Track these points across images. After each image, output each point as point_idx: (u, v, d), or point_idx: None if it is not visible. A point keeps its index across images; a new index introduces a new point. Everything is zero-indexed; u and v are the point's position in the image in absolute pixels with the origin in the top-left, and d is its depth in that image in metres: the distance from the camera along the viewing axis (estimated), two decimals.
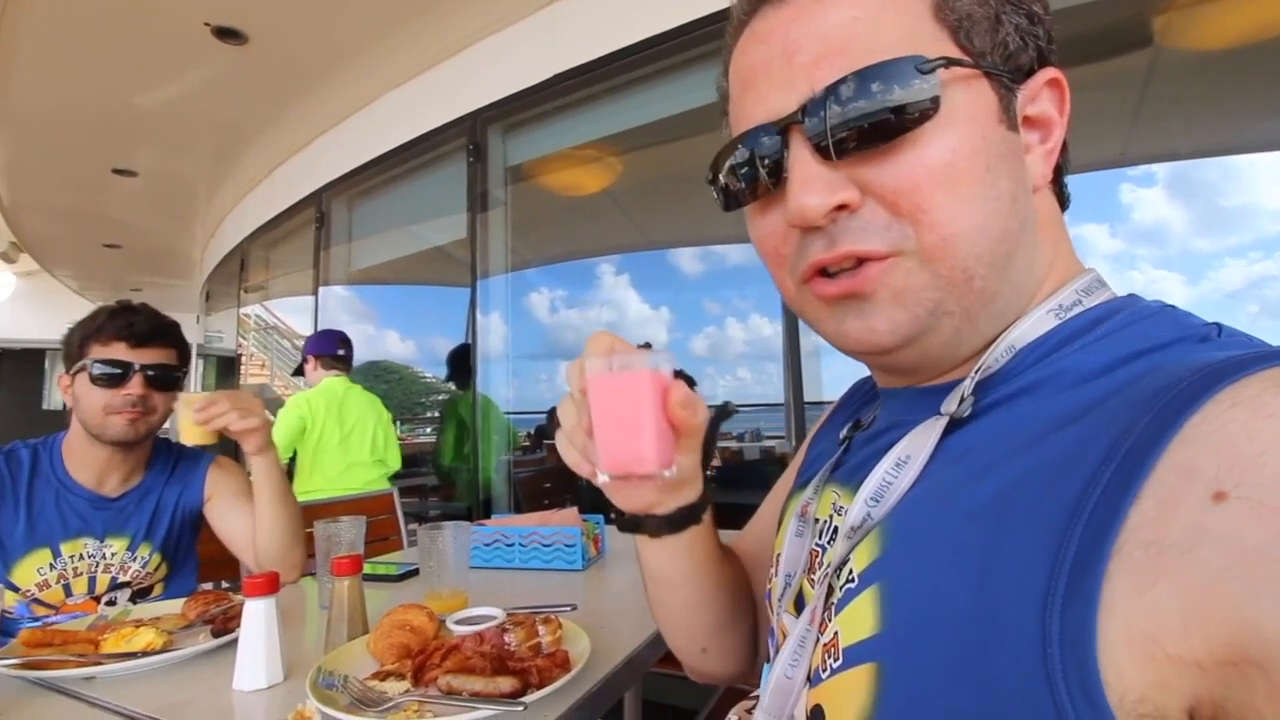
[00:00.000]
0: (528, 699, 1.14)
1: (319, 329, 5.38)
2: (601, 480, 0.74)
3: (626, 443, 0.69)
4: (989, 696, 0.49)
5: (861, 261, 0.63)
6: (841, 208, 0.62)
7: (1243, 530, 0.42)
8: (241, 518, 2.13)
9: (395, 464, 4.46)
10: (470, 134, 5.04)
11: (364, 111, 5.91)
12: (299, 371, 4.57)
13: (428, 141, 5.34)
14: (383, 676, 1.25)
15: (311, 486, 4.16)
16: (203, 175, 7.68)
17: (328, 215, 6.57)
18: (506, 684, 1.16)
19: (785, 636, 0.72)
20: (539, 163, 5.09)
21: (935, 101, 0.59)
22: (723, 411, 5.02)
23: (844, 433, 0.88)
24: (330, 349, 4.40)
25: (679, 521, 0.89)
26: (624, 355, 0.70)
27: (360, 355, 4.70)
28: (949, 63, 0.60)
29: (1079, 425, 0.53)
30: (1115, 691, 0.44)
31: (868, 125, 0.60)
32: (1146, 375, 0.53)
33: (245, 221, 7.99)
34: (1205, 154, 3.53)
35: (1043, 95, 0.66)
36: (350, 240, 6.65)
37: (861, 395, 0.96)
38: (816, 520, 0.81)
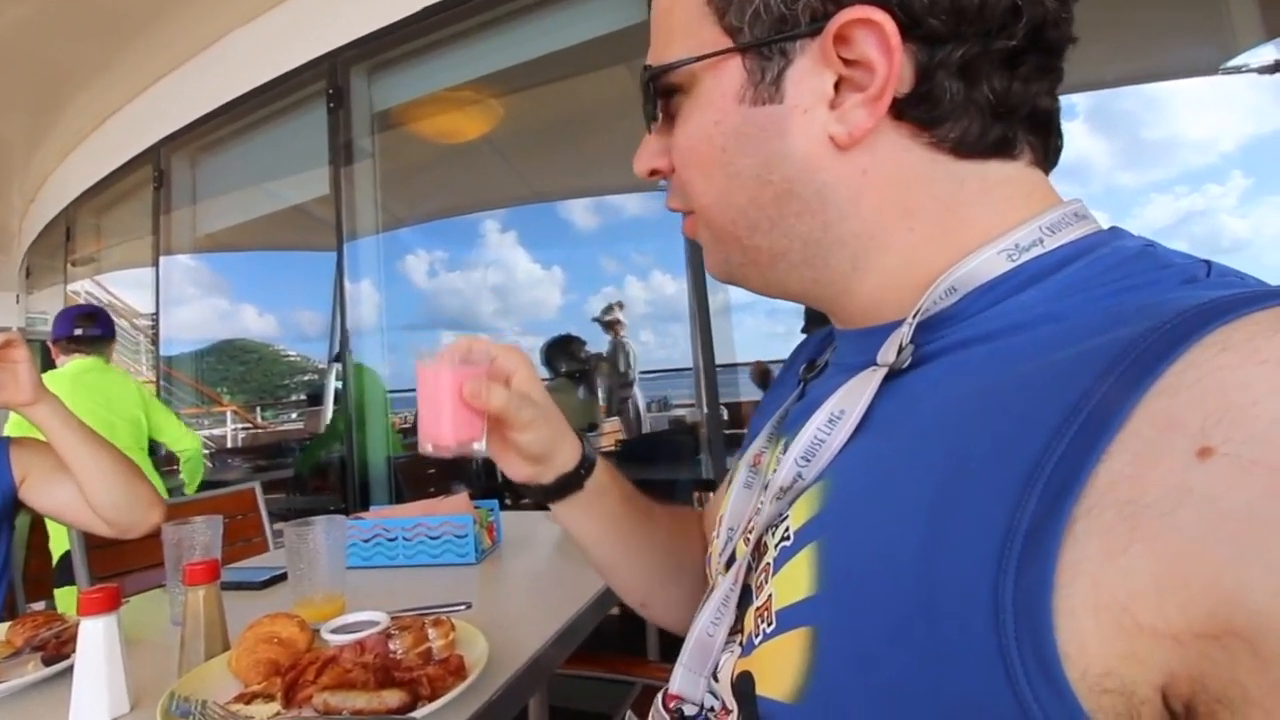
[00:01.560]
0: (419, 713, 1.13)
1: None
2: (423, 449, 0.95)
3: (429, 421, 0.94)
4: (936, 664, 0.49)
5: None
6: (655, 172, 0.80)
7: (1230, 490, 0.41)
8: (67, 484, 2.03)
9: (179, 443, 4.33)
10: (330, 77, 4.96)
11: (207, 52, 5.76)
12: (50, 365, 4.33)
13: (282, 86, 5.24)
14: (248, 699, 1.23)
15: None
16: (19, 130, 7.36)
17: (168, 173, 6.38)
18: (393, 698, 1.15)
19: None
20: (410, 107, 5.05)
21: (686, 89, 0.73)
22: (591, 365, 5.10)
23: (801, 373, 0.91)
24: (66, 330, 4.15)
25: (560, 489, 1.05)
26: (454, 351, 0.97)
27: (211, 333, 4.57)
28: (689, 60, 0.71)
29: (1040, 376, 0.53)
30: (1077, 664, 0.44)
31: (652, 109, 0.77)
32: (1120, 320, 0.52)
33: (71, 183, 7.72)
34: (1126, 81, 3.63)
35: (855, 40, 0.64)
36: (195, 202, 6.48)
37: (827, 333, 0.96)
38: (767, 474, 0.82)
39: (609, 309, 5.81)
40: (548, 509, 1.07)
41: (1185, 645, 0.42)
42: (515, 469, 1.03)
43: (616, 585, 1.16)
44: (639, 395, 5.80)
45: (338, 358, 5.12)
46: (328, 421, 5.15)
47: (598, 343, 5.75)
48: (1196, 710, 0.42)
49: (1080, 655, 0.44)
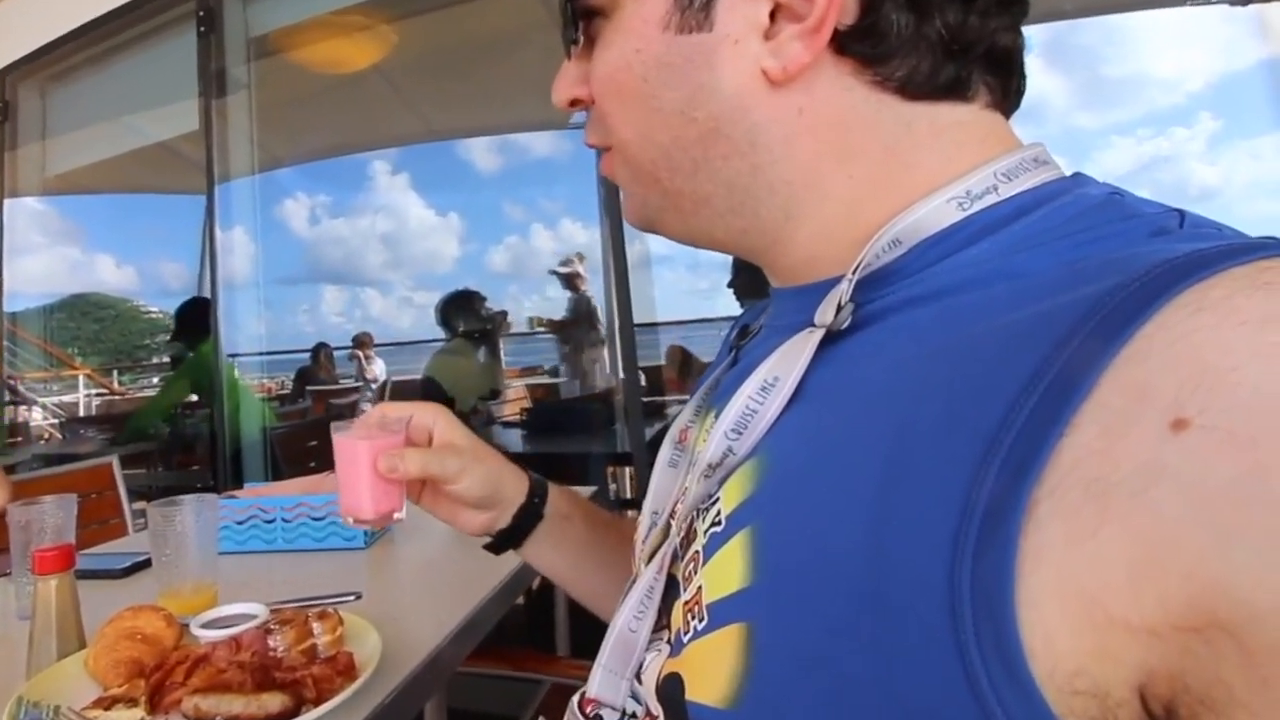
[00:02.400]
0: (304, 718, 1.12)
1: None
2: (346, 521, 1.05)
3: (349, 495, 1.03)
4: (886, 663, 0.48)
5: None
6: (575, 102, 0.78)
7: (1209, 466, 0.41)
8: None
9: None
10: None
11: None
12: None
13: (145, 7, 5.10)
14: (108, 703, 1.20)
15: None
16: None
17: (14, 105, 6.15)
18: (274, 702, 1.13)
19: None
20: (290, 33, 4.95)
21: (606, 12, 0.72)
22: (494, 323, 5.09)
23: (733, 339, 0.90)
24: None
25: (520, 528, 1.09)
26: (367, 420, 1.06)
27: (62, 286, 4.44)
28: None
29: (995, 339, 0.52)
30: (1044, 662, 0.43)
31: (572, 33, 0.76)
32: (1084, 277, 0.52)
33: None
34: (1087, 12, 3.67)
35: None
36: (45, 138, 6.27)
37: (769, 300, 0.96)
38: (695, 450, 0.82)
39: (568, 261, 5.71)
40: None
41: (1163, 640, 0.41)
42: (467, 522, 1.09)
43: (608, 613, 1.14)
44: (605, 357, 5.73)
45: (178, 337, 5.03)
46: (161, 404, 5.04)
47: (500, 298, 5.71)
48: (1178, 713, 0.42)
49: (1047, 652, 0.43)
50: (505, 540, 1.10)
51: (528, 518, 1.09)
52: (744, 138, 0.67)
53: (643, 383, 3.77)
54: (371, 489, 1.01)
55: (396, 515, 1.04)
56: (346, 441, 1.02)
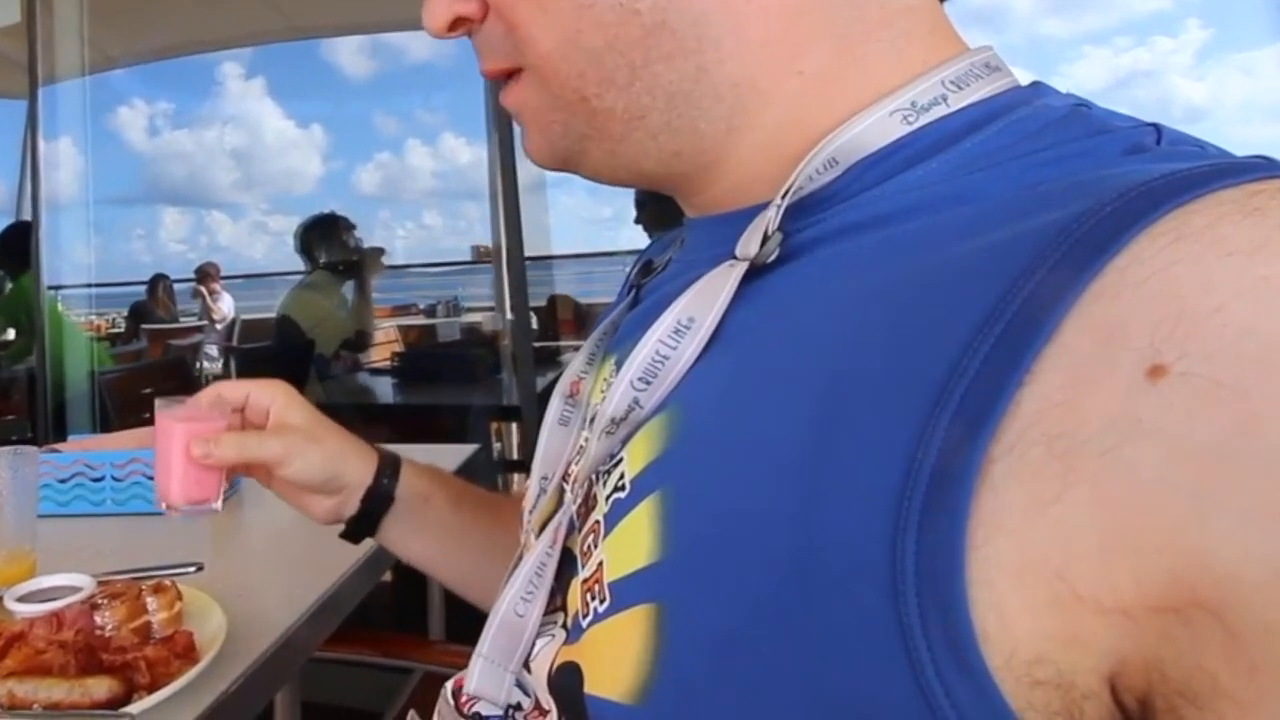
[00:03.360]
0: (134, 708, 1.11)
1: None
2: (158, 507, 1.09)
3: (161, 478, 1.08)
4: (817, 650, 0.48)
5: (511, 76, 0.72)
6: (460, 22, 0.72)
7: (1190, 419, 0.40)
8: None
9: None
10: None
11: None
12: None
13: None
14: None
15: None
16: None
17: None
18: (101, 687, 1.12)
19: None
20: None
21: None
22: (366, 261, 5.02)
23: (634, 277, 0.88)
24: None
25: (371, 513, 1.11)
26: (196, 401, 1.10)
27: None
28: None
29: (945, 274, 0.52)
30: (1000, 648, 0.43)
31: None
32: (1047, 202, 0.51)
33: None
34: None
35: None
36: None
37: (675, 234, 0.95)
38: (590, 403, 0.81)
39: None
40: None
41: (1138, 622, 0.41)
42: (314, 509, 1.11)
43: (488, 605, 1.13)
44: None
45: (10, 241, 4.91)
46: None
47: (370, 225, 5.62)
48: (1154, 706, 0.42)
49: (1004, 636, 0.43)
50: (358, 528, 1.12)
51: (376, 501, 1.10)
52: (690, 31, 0.64)
53: (534, 325, 3.76)
54: (183, 474, 1.05)
55: (212, 505, 1.08)
56: (164, 421, 1.07)
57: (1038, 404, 0.44)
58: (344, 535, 1.13)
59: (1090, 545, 0.42)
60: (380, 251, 5.43)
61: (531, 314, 3.72)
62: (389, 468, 1.12)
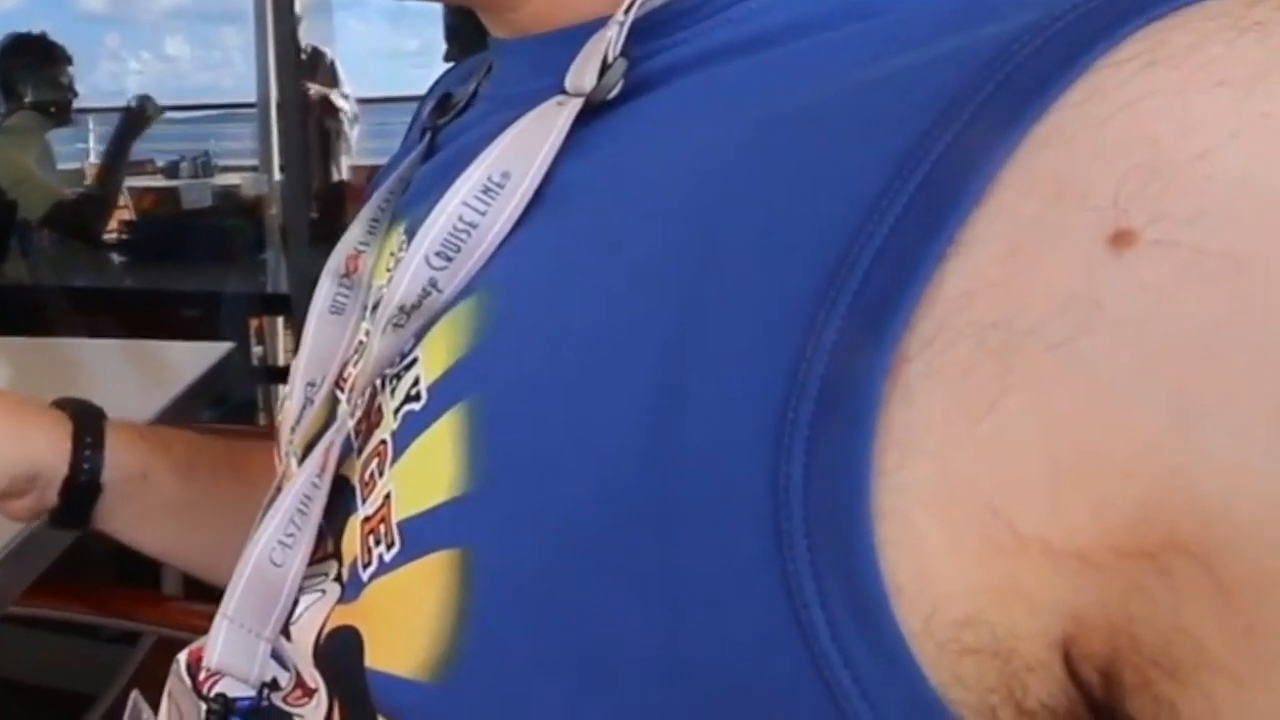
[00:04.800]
0: None
1: None
2: None
3: None
4: (677, 610, 0.45)
5: None
6: None
7: (1167, 301, 0.38)
8: None
9: None
10: None
11: None
12: None
13: None
14: None
15: None
16: None
17: None
18: None
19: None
20: None
21: None
22: (135, 116, 4.88)
23: (428, 118, 0.86)
24: None
25: (76, 503, 1.03)
26: None
27: None
28: None
29: (842, 111, 0.49)
30: (916, 604, 0.40)
31: None
32: (976, 13, 0.49)
33: None
34: None
35: None
36: None
37: (477, 61, 0.93)
38: (372, 284, 0.79)
39: None
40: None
41: (1099, 570, 0.38)
42: (11, 510, 1.04)
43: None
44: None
45: None
46: None
47: (92, 54, 5.49)
48: (1120, 680, 0.39)
49: (922, 590, 0.40)
50: (64, 521, 1.05)
51: (79, 492, 1.02)
52: None
53: (311, 189, 3.69)
54: None
55: None
56: None
57: (965, 284, 0.41)
58: (52, 525, 1.07)
59: (1035, 470, 0.39)
60: (151, 105, 5.26)
61: (308, 178, 3.65)
62: (89, 438, 1.02)
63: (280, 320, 4.34)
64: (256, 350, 4.36)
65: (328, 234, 3.84)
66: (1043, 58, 0.43)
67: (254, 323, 4.24)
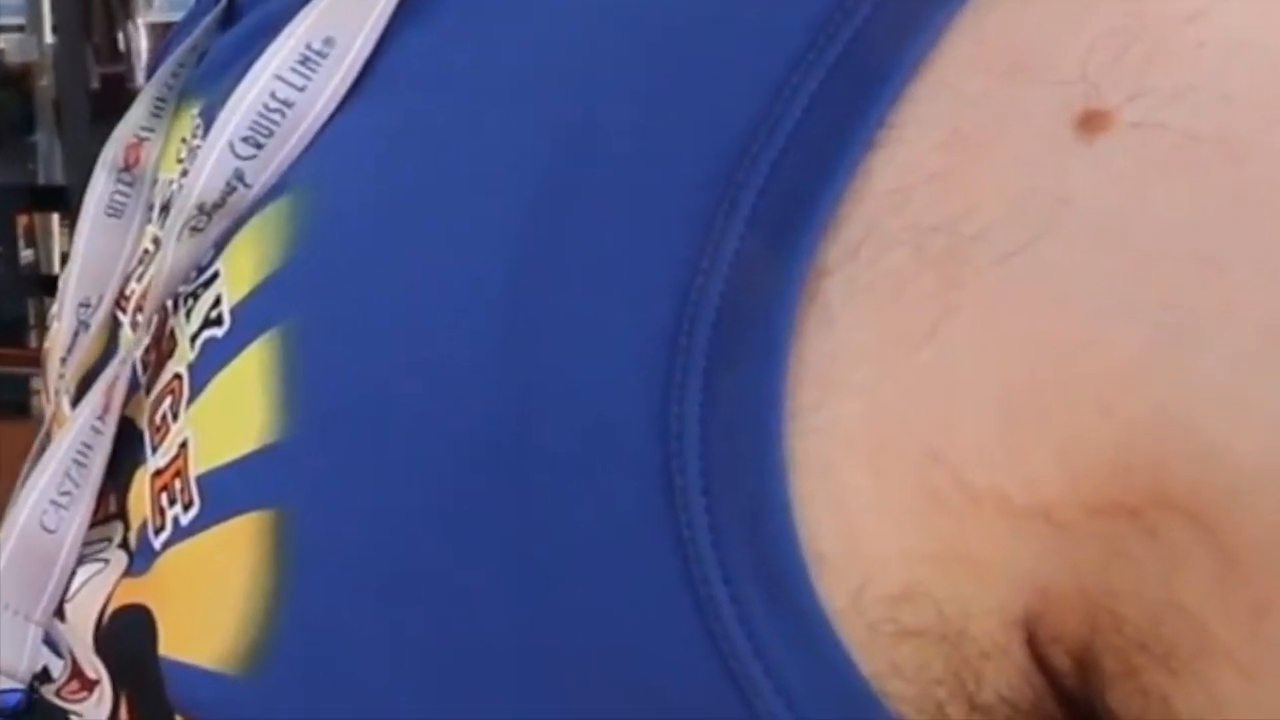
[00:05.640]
0: None
1: None
2: None
3: None
4: (545, 585, 0.42)
5: None
6: None
7: (1150, 197, 0.36)
8: None
9: None
10: None
11: None
12: None
13: None
14: None
15: None
16: None
17: None
18: None
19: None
20: None
21: None
22: None
23: None
24: None
25: None
26: None
27: None
28: None
29: None
30: (843, 576, 0.37)
31: None
32: None
33: None
34: None
35: None
36: None
37: None
38: (159, 179, 0.75)
39: None
40: None
41: (1069, 532, 0.36)
42: None
43: None
44: None
45: None
46: None
47: None
48: (1101, 667, 0.37)
49: (849, 558, 0.37)
50: None
51: None
52: None
53: (91, 58, 3.63)
54: None
55: None
56: None
57: (898, 178, 0.39)
58: None
59: (987, 406, 0.37)
60: None
61: (89, 40, 3.59)
62: None
63: (55, 218, 4.30)
64: (26, 254, 4.32)
65: (114, 111, 3.79)
66: None
67: (22, 220, 4.17)
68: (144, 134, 0.77)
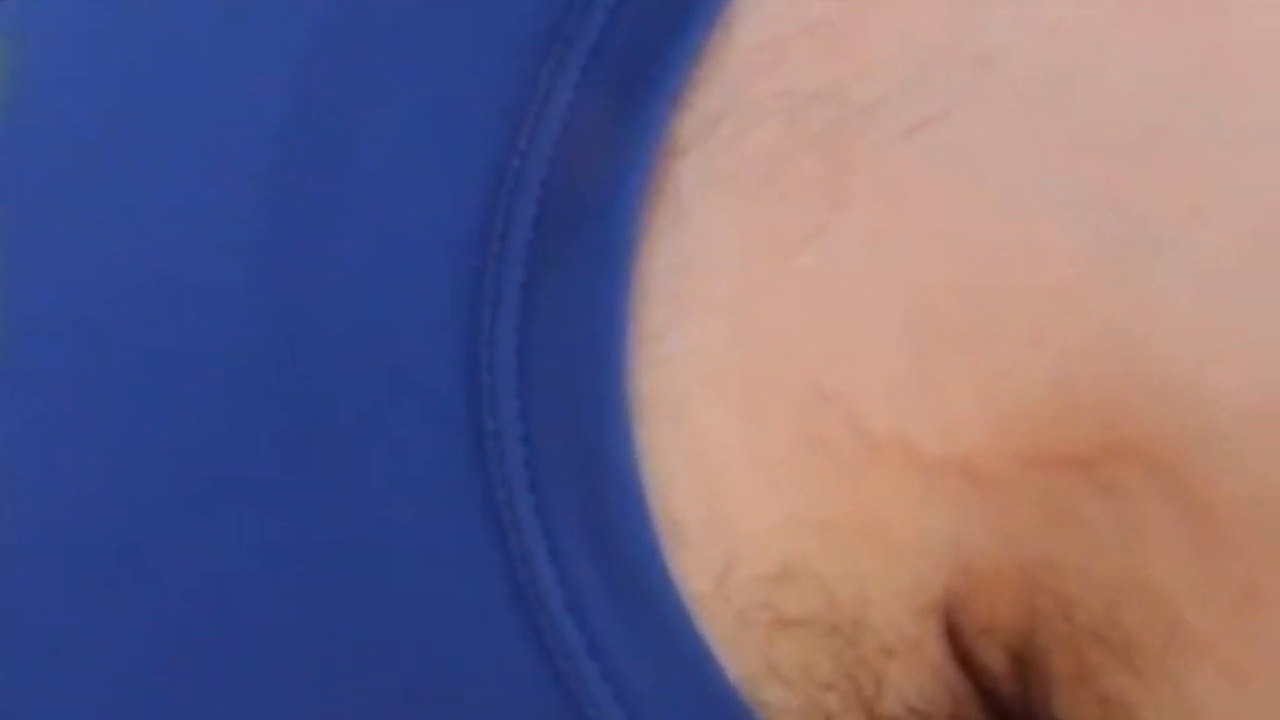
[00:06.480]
0: None
1: None
2: None
3: None
4: (326, 572, 0.37)
5: None
6: None
7: (1093, 55, 0.33)
8: None
9: None
10: None
11: None
12: None
13: None
14: None
15: None
16: None
17: None
18: None
19: None
20: None
21: None
22: None
23: None
24: None
25: None
26: None
27: None
28: None
29: None
30: (705, 552, 0.34)
31: None
32: None
33: None
34: None
35: None
36: None
37: None
38: None
39: None
40: None
41: (998, 489, 0.33)
42: None
43: None
44: None
45: None
46: None
47: None
48: (1044, 665, 0.33)
49: (711, 527, 0.34)
50: None
51: None
52: None
53: None
54: None
55: None
56: None
57: (768, 29, 0.35)
58: None
59: (888, 332, 0.33)
60: None
61: None
62: None
63: None
64: None
65: None
66: None
67: None
68: None
